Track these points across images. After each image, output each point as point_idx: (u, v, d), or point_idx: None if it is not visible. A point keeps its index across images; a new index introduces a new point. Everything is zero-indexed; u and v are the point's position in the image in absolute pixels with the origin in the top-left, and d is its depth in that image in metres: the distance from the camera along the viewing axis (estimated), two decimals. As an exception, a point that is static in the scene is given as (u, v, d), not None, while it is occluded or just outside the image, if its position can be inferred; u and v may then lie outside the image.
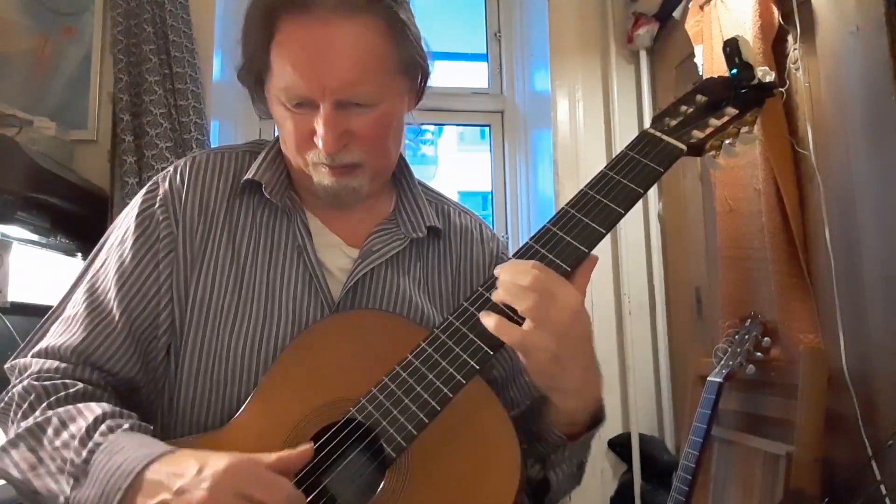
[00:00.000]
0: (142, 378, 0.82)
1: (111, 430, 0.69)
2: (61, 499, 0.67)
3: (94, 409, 0.72)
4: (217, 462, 0.62)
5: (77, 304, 0.82)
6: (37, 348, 0.80)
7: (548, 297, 0.68)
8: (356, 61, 0.77)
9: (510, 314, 0.70)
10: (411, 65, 0.84)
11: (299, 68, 0.78)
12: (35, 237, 1.59)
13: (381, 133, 0.83)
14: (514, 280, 0.70)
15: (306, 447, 0.67)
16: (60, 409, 0.72)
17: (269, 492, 0.61)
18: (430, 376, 0.70)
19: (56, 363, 0.78)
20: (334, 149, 0.79)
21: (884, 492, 1.20)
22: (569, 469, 0.82)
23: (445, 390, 0.69)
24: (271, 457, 0.65)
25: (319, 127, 0.78)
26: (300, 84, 0.78)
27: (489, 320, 0.69)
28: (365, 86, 0.78)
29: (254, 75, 0.85)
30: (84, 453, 0.67)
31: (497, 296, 0.71)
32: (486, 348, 0.70)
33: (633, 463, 2.04)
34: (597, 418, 0.79)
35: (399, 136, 0.88)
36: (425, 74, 0.89)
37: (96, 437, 0.68)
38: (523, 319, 0.69)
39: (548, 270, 0.70)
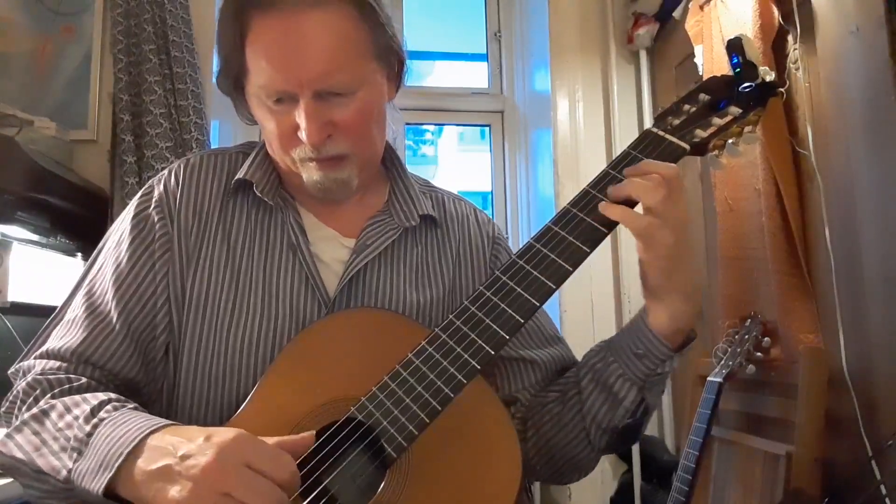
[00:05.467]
0: (142, 378, 0.82)
1: (116, 408, 0.70)
2: (63, 473, 0.67)
3: (100, 395, 0.73)
4: (224, 433, 0.62)
5: (76, 308, 0.83)
6: (39, 351, 0.81)
7: (675, 194, 0.73)
8: (330, 50, 0.78)
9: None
10: (385, 50, 0.84)
11: (274, 63, 0.78)
12: (35, 237, 1.59)
13: (364, 121, 0.83)
14: (646, 175, 0.73)
15: (307, 434, 0.67)
16: (65, 398, 0.73)
17: (274, 465, 0.61)
18: (432, 376, 0.70)
19: (58, 363, 0.79)
20: (318, 139, 0.79)
21: (884, 492, 1.20)
22: (659, 390, 0.84)
23: (447, 390, 0.68)
24: (272, 440, 0.65)
25: (301, 120, 0.79)
26: (277, 78, 0.78)
27: (613, 210, 0.72)
28: (341, 73, 0.78)
29: (231, 79, 0.85)
30: (88, 427, 0.68)
31: (621, 191, 0.74)
32: (495, 339, 0.70)
33: (633, 463, 2.04)
34: (693, 333, 0.83)
35: (382, 125, 0.88)
36: (401, 61, 0.89)
37: (101, 413, 0.69)
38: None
39: (676, 169, 0.74)
